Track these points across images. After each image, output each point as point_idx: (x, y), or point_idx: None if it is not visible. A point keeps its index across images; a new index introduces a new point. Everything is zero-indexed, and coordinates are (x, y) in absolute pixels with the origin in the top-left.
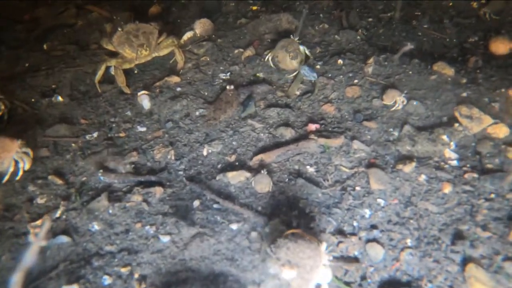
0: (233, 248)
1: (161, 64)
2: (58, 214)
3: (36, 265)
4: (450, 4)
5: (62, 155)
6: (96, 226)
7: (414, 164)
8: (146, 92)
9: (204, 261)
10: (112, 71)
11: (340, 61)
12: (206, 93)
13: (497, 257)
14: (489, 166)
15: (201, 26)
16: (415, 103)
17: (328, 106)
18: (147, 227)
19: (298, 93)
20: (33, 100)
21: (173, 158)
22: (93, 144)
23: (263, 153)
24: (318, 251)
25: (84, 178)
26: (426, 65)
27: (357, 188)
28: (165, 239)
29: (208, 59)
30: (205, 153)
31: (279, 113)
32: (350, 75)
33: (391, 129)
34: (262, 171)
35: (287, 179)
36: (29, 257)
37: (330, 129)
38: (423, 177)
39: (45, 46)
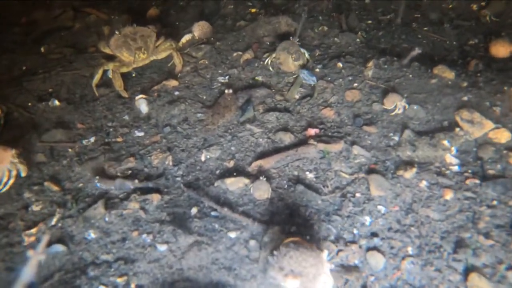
0: (231, 257)
1: (159, 67)
2: (53, 221)
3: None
4: (450, 6)
5: (58, 161)
6: (92, 234)
7: (414, 170)
8: (144, 96)
9: (202, 271)
10: (110, 75)
11: (339, 64)
12: (204, 97)
13: (500, 266)
14: (491, 172)
15: (199, 29)
16: (415, 107)
17: (327, 110)
18: (144, 236)
19: (297, 97)
20: (29, 104)
21: (170, 163)
22: (90, 149)
23: (262, 159)
24: (320, 259)
25: (80, 185)
26: (426, 68)
27: (357, 194)
28: (162, 248)
29: (207, 62)
30: (203, 158)
31: (278, 117)
32: (350, 78)
33: (391, 134)
34: (261, 178)
35: (286, 186)
36: (29, 272)
37: (329, 134)
38: (424, 183)
39: (42, 49)
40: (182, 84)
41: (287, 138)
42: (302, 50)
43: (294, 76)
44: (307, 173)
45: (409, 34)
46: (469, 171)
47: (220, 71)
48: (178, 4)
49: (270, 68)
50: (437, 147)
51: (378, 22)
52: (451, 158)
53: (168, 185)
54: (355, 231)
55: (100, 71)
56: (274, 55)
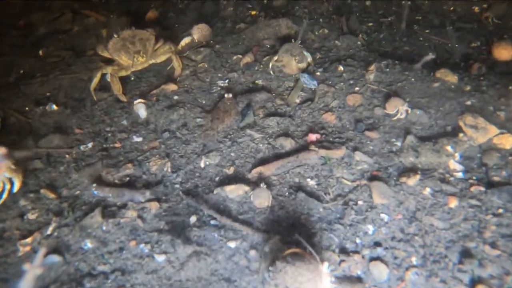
0: (231, 268)
1: (158, 71)
2: (49, 231)
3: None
4: (451, 8)
5: (55, 167)
6: (88, 244)
7: (418, 176)
8: (142, 100)
9: (201, 282)
10: (108, 78)
11: (340, 68)
12: (203, 102)
13: (507, 278)
14: (496, 178)
15: (199, 32)
16: (418, 112)
17: (328, 115)
18: (142, 245)
19: (298, 101)
20: (27, 108)
21: (169, 170)
22: (88, 155)
23: (262, 166)
24: (318, 272)
25: (77, 192)
26: (428, 71)
27: (360, 202)
28: (160, 258)
29: (206, 66)
30: (202, 165)
31: (278, 122)
32: (351, 82)
33: (394, 139)
34: (261, 185)
35: (287, 193)
36: (25, 286)
37: (331, 139)
38: (427, 191)
39: (40, 52)
40: (181, 88)
41: (287, 144)
42: (305, 53)
43: (295, 80)
44: (308, 180)
45: (411, 37)
46: (474, 178)
47: (219, 75)
48: (177, 6)
49: (271, 72)
50: (440, 153)
51: (379, 25)
52: (455, 164)
53: (167, 192)
54: (357, 241)
55: (99, 75)
56: (276, 58)
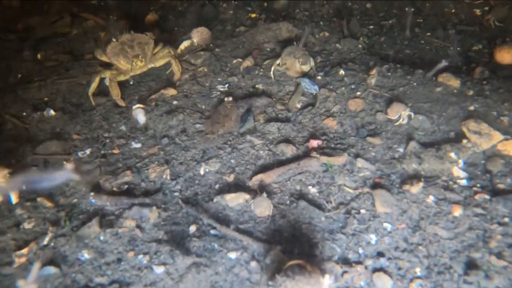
0: (231, 280)
1: (157, 75)
2: (46, 241)
3: None
4: (453, 11)
5: None
6: (86, 255)
7: (421, 184)
8: (141, 105)
9: None
10: (107, 83)
11: (341, 72)
12: (203, 107)
13: None
14: (501, 186)
15: (198, 35)
16: (420, 117)
17: (330, 120)
18: (140, 256)
19: (299, 106)
20: (24, 113)
21: (168, 177)
22: (86, 161)
23: (263, 173)
24: (319, 286)
25: (75, 200)
26: (430, 76)
27: (362, 211)
28: (159, 270)
29: (206, 70)
30: (202, 172)
31: (279, 128)
32: (353, 86)
33: (396, 146)
34: (262, 194)
35: (288, 201)
36: None
37: (332, 145)
38: (431, 199)
39: (38, 56)
40: (180, 93)
41: (288, 150)
42: (309, 57)
43: (296, 84)
44: (310, 187)
45: (412, 40)
46: (478, 185)
47: (219, 79)
48: (176, 9)
49: (272, 76)
50: (443, 159)
51: (380, 27)
52: (458, 171)
53: (166, 200)
54: (360, 251)
55: (97, 80)
56: (278, 61)
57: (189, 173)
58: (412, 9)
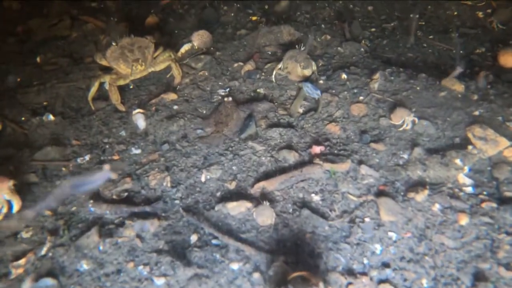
0: None
1: (157, 78)
2: (44, 251)
3: None
4: (455, 13)
5: (51, 181)
6: (84, 266)
7: (426, 192)
8: (141, 110)
9: None
10: (107, 87)
11: (344, 76)
12: (204, 112)
13: None
14: (508, 194)
15: (199, 38)
16: (424, 123)
17: (332, 126)
18: (140, 267)
19: (301, 111)
20: (23, 118)
21: (169, 185)
22: (85, 168)
23: (265, 180)
24: None
25: (73, 208)
26: (434, 80)
27: (366, 219)
28: (160, 281)
29: (207, 74)
30: (203, 179)
31: (281, 133)
32: (355, 91)
33: (401, 152)
34: (264, 202)
35: (291, 209)
36: None
37: (335, 151)
38: (436, 207)
39: (38, 59)
40: (181, 97)
41: (291, 157)
42: (311, 61)
43: (298, 88)
44: (313, 195)
45: (414, 43)
46: (484, 192)
47: (220, 83)
48: (177, 11)
49: (274, 79)
50: (449, 166)
51: (382, 30)
52: (464, 178)
53: (166, 209)
54: (365, 261)
55: (97, 84)
56: (279, 65)
57: (190, 180)
58: (417, 16)
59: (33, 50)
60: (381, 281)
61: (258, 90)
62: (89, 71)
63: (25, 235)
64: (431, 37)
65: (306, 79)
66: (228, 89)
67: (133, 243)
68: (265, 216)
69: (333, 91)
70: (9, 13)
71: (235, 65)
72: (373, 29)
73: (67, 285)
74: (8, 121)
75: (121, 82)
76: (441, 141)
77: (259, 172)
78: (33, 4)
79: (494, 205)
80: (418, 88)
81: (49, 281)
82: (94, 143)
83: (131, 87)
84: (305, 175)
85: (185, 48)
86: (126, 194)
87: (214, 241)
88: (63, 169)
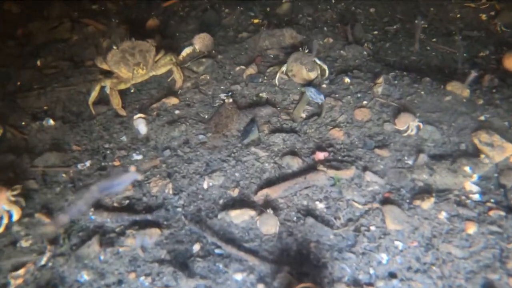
0: None
1: (158, 82)
2: (43, 261)
3: None
4: (458, 16)
5: (51, 188)
6: (85, 276)
7: (432, 199)
8: (142, 115)
9: None
10: (107, 91)
11: (347, 80)
12: (206, 116)
13: None
14: None
15: (200, 41)
16: (429, 128)
17: (336, 131)
18: (142, 278)
19: (304, 115)
20: (23, 123)
21: (171, 192)
22: (85, 174)
23: (268, 187)
24: None
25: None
26: (438, 84)
27: (372, 228)
28: None
29: (208, 78)
30: (205, 186)
31: (284, 139)
32: (359, 95)
33: (406, 158)
34: (267, 210)
35: (295, 218)
36: None
37: (339, 157)
38: (443, 215)
39: (38, 62)
40: (182, 102)
41: (294, 163)
42: (318, 61)
43: (300, 93)
44: (317, 203)
45: (419, 49)
46: (492, 200)
47: (222, 87)
48: (178, 14)
49: (276, 83)
50: (456, 173)
51: (384, 33)
52: (471, 186)
53: (168, 217)
54: (371, 271)
55: (97, 88)
56: (283, 68)
57: (192, 187)
58: (422, 22)
59: (33, 53)
60: None
61: (260, 94)
62: (89, 74)
63: (24, 244)
64: (434, 40)
65: (309, 83)
66: (230, 93)
67: (134, 252)
68: (269, 225)
69: (336, 95)
70: (9, 16)
71: (237, 68)
72: (375, 32)
73: None
74: (8, 126)
75: (122, 86)
76: (447, 147)
77: (262, 179)
78: (33, 6)
79: (502, 213)
80: (422, 92)
81: None
82: (94, 148)
83: (132, 91)
84: (309, 182)
85: (186, 51)
86: (127, 201)
87: (217, 251)
88: (63, 175)
